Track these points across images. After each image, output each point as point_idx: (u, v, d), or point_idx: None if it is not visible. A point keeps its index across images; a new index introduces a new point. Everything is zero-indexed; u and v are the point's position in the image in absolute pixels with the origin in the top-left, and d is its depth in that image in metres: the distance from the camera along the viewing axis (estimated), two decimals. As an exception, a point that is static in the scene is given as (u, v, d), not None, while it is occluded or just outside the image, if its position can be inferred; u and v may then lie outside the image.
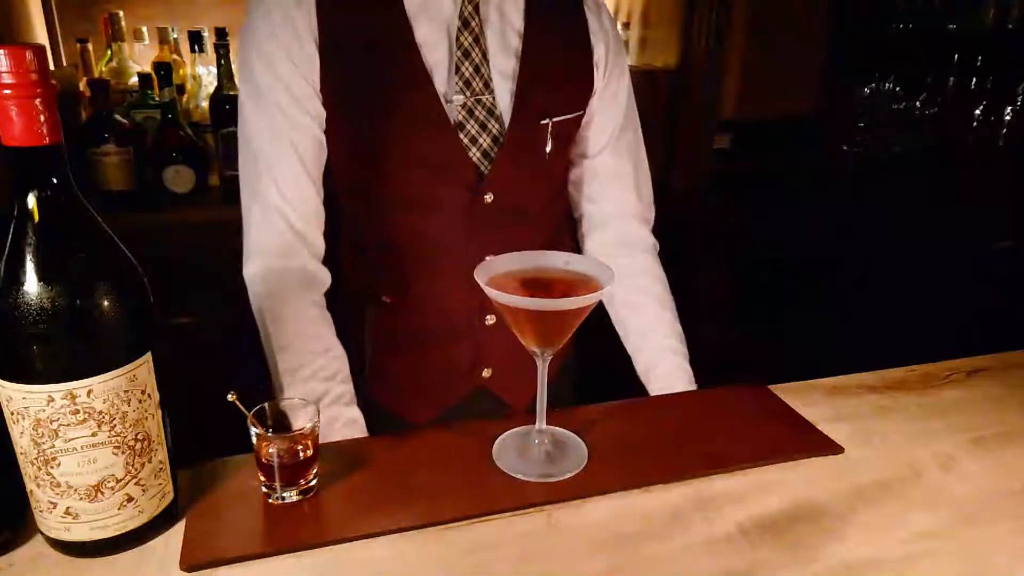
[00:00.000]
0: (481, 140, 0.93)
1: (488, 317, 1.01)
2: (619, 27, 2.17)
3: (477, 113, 0.93)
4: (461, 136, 0.92)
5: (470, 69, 0.91)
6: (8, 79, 0.53)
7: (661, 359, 1.02)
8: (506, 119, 0.95)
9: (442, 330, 1.01)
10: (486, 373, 1.03)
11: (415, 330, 1.02)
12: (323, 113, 0.91)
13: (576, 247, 1.12)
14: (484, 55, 0.93)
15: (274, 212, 0.91)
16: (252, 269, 0.93)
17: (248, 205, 0.93)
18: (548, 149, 0.98)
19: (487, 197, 0.95)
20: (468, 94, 0.92)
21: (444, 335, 1.02)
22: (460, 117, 0.92)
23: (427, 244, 0.97)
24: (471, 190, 0.94)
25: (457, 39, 0.91)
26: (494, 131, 0.94)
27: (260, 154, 0.90)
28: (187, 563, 0.63)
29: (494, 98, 0.94)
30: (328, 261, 0.98)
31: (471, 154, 0.93)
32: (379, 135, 0.92)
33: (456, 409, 1.04)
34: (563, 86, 0.99)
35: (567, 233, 1.12)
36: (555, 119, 0.97)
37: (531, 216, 1.00)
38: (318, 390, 0.88)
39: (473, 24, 0.91)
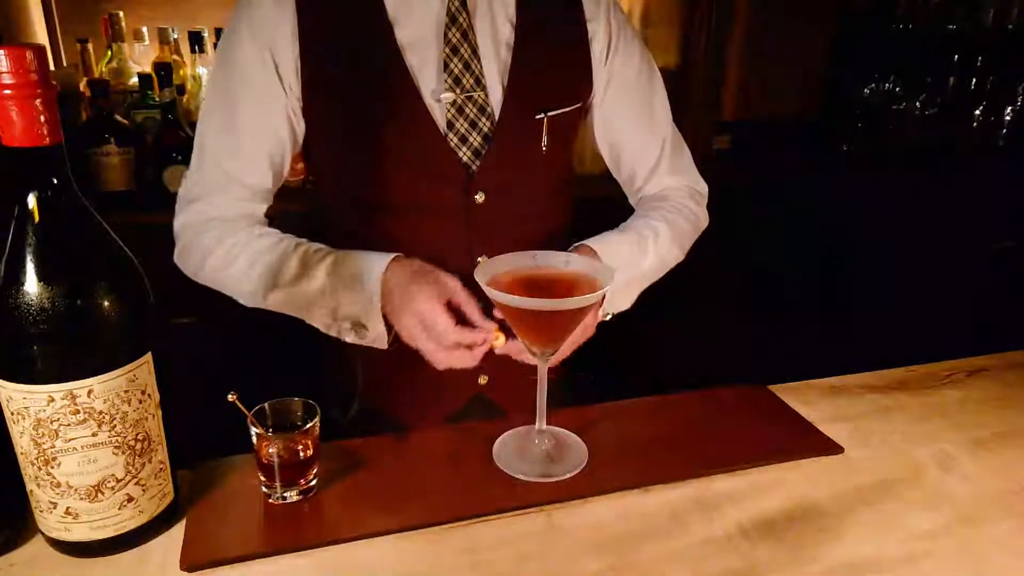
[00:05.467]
0: (471, 139, 0.92)
1: None
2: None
3: (467, 111, 0.91)
4: (450, 135, 0.91)
5: (459, 66, 0.90)
6: (8, 79, 0.53)
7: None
8: (498, 115, 0.93)
9: None
10: (482, 380, 1.01)
11: None
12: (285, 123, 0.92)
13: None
14: (474, 51, 0.91)
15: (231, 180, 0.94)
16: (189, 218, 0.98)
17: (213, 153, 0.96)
18: (544, 144, 0.96)
19: (478, 197, 0.93)
20: (458, 91, 0.90)
21: None
22: (449, 115, 0.90)
23: (418, 247, 0.93)
24: (461, 190, 0.92)
25: (445, 35, 0.89)
26: (484, 128, 0.92)
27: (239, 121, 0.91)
28: (187, 563, 0.63)
29: (486, 94, 0.92)
30: None
31: (460, 153, 0.92)
32: (364, 138, 0.91)
33: (454, 417, 1.02)
34: (560, 78, 0.97)
35: (566, 232, 1.11)
36: (551, 113, 0.95)
37: (527, 215, 0.98)
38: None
39: (461, 19, 0.90)
